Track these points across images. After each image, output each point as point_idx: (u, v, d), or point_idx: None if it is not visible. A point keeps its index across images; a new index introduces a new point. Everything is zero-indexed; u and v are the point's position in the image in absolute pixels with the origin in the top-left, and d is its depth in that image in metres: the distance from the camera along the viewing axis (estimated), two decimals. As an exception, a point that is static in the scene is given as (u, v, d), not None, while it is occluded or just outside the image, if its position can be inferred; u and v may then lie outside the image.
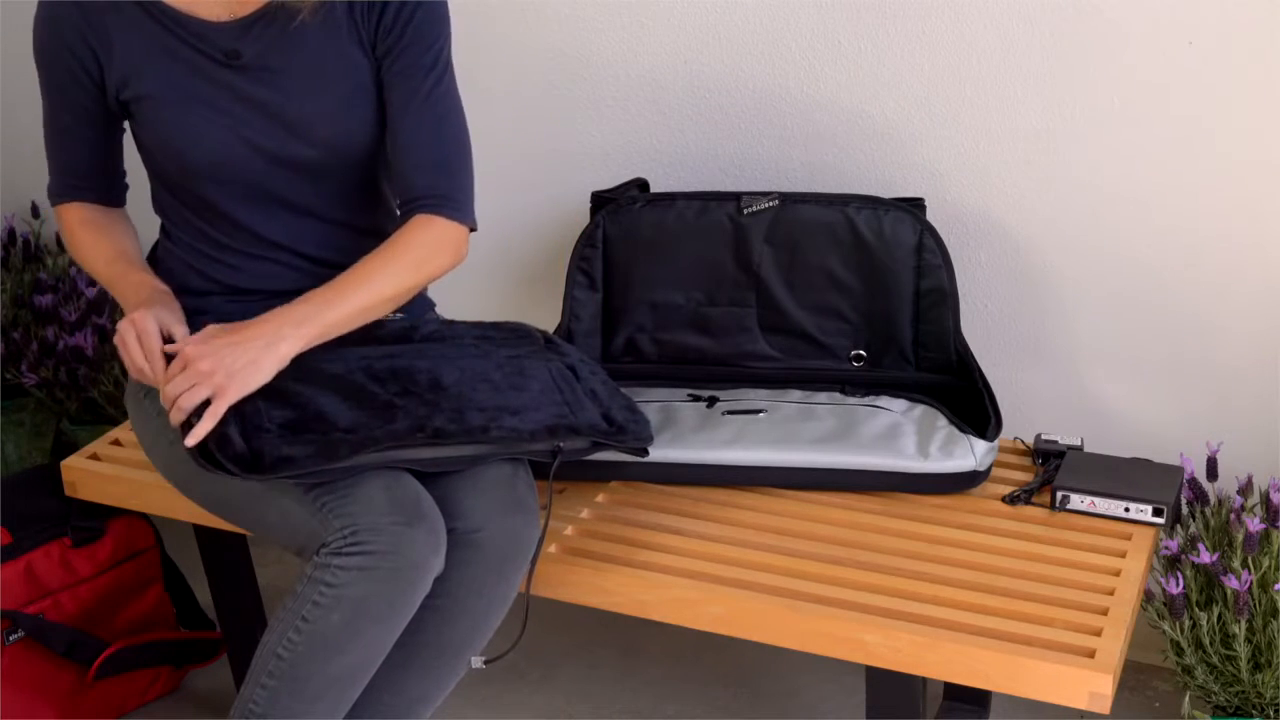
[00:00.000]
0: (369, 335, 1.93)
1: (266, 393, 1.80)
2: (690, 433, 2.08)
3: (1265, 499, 1.97)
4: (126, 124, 1.97)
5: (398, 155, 1.91)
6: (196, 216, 1.96)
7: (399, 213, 1.95)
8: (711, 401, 2.15)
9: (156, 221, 2.04)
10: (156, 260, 2.04)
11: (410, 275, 1.88)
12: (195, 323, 1.95)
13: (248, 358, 1.77)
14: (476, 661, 1.85)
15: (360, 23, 1.90)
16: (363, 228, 1.99)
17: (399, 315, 2.03)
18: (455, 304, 2.26)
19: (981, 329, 2.30)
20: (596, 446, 1.91)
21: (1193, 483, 2.02)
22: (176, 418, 1.77)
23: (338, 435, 1.77)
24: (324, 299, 1.84)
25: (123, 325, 1.85)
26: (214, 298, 1.97)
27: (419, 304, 2.10)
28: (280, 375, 1.82)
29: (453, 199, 1.91)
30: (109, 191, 2.03)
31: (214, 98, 1.88)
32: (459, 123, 1.94)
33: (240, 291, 1.97)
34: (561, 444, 1.86)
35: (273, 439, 1.76)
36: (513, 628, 1.86)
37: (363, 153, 1.94)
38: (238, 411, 1.78)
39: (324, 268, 1.95)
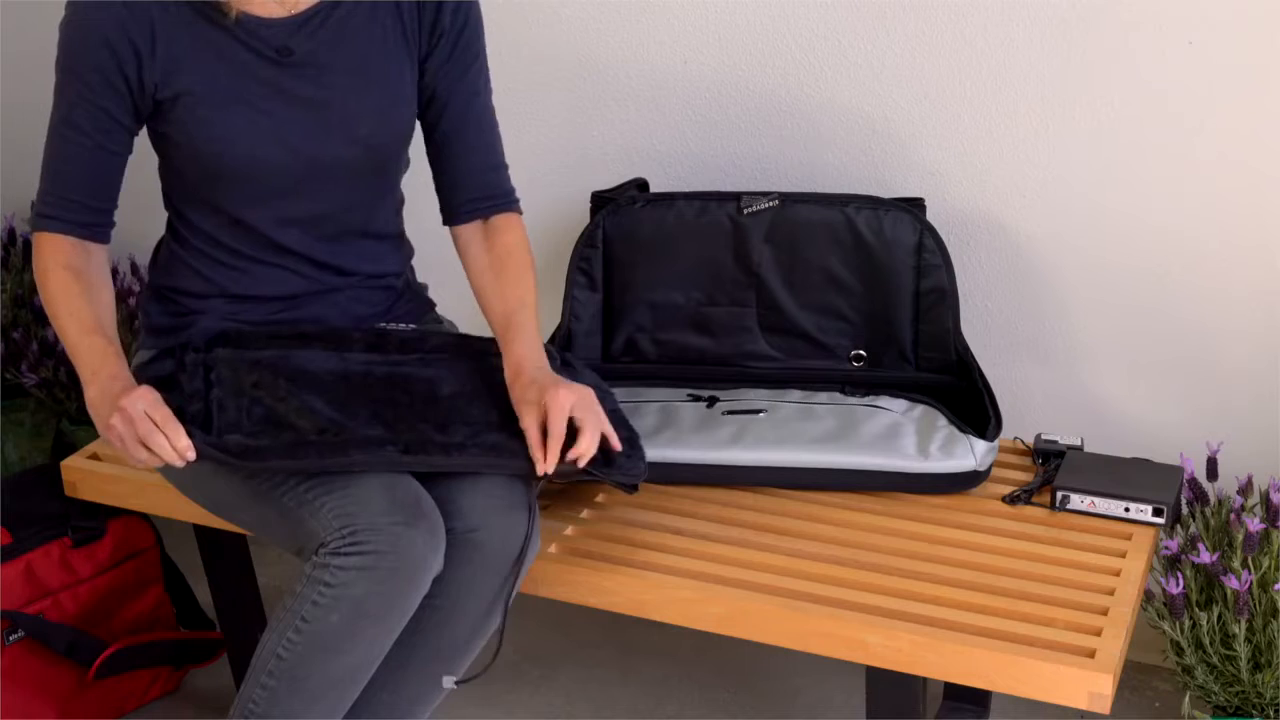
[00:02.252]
0: (377, 343, 1.94)
1: (252, 393, 1.81)
2: (690, 433, 2.08)
3: (1265, 499, 1.96)
4: (145, 131, 1.92)
5: (468, 155, 1.96)
6: (210, 219, 1.93)
7: (466, 210, 1.98)
8: (711, 401, 2.15)
9: (156, 218, 2.03)
10: (158, 261, 2.03)
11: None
12: (191, 322, 1.95)
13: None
14: (448, 681, 1.84)
15: (408, 22, 1.91)
16: (370, 231, 2.00)
17: (410, 327, 2.02)
18: (456, 304, 2.26)
19: (981, 329, 2.30)
20: (581, 475, 1.86)
21: (1193, 483, 2.02)
22: None
23: (311, 438, 1.78)
24: (534, 327, 1.91)
25: (127, 403, 1.71)
26: (214, 300, 1.97)
27: (420, 305, 2.10)
28: (274, 375, 1.84)
29: (515, 195, 2.02)
30: (97, 222, 1.90)
31: (257, 97, 1.86)
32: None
33: (241, 298, 1.97)
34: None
35: (241, 436, 1.77)
36: (513, 629, 1.86)
37: (396, 152, 1.95)
38: (222, 409, 1.79)
39: (326, 272, 1.96)
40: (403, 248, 2.07)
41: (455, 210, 1.99)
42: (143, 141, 1.93)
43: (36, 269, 1.89)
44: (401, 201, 2.05)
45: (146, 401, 1.73)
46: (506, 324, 1.92)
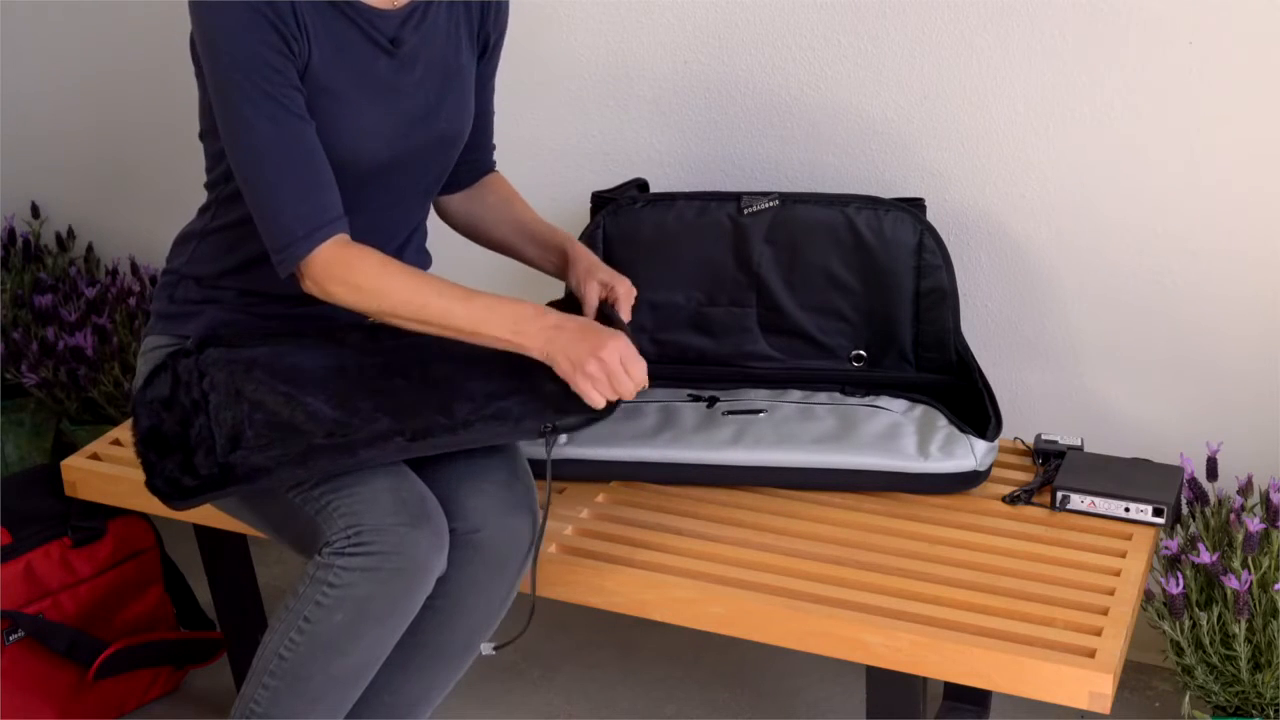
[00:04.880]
0: (371, 334, 1.93)
1: (252, 399, 1.81)
2: (690, 433, 2.08)
3: (1265, 499, 1.97)
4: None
5: (486, 137, 2.08)
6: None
7: (467, 181, 2.08)
8: (711, 401, 2.15)
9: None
10: (182, 248, 1.98)
11: None
12: (200, 311, 1.94)
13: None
14: (486, 648, 1.84)
15: (474, 21, 1.95)
16: (410, 228, 2.00)
17: None
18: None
19: (981, 329, 2.30)
20: (589, 421, 1.85)
21: (1193, 483, 2.02)
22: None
23: (318, 441, 1.77)
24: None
25: (606, 356, 1.77)
26: (226, 290, 1.95)
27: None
28: (270, 377, 1.83)
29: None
30: (343, 211, 1.80)
31: (366, 90, 1.85)
32: None
33: (254, 294, 1.95)
34: (555, 423, 1.82)
35: (247, 450, 1.77)
36: (514, 624, 1.86)
37: (459, 145, 1.98)
38: (219, 423, 1.79)
39: None
40: (424, 253, 2.07)
41: (457, 183, 2.07)
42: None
43: (355, 286, 1.77)
44: (429, 209, 2.05)
45: (623, 353, 1.78)
46: (542, 226, 2.06)
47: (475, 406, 1.83)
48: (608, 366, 1.77)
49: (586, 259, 1.99)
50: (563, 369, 1.78)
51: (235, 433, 1.79)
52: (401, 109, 1.88)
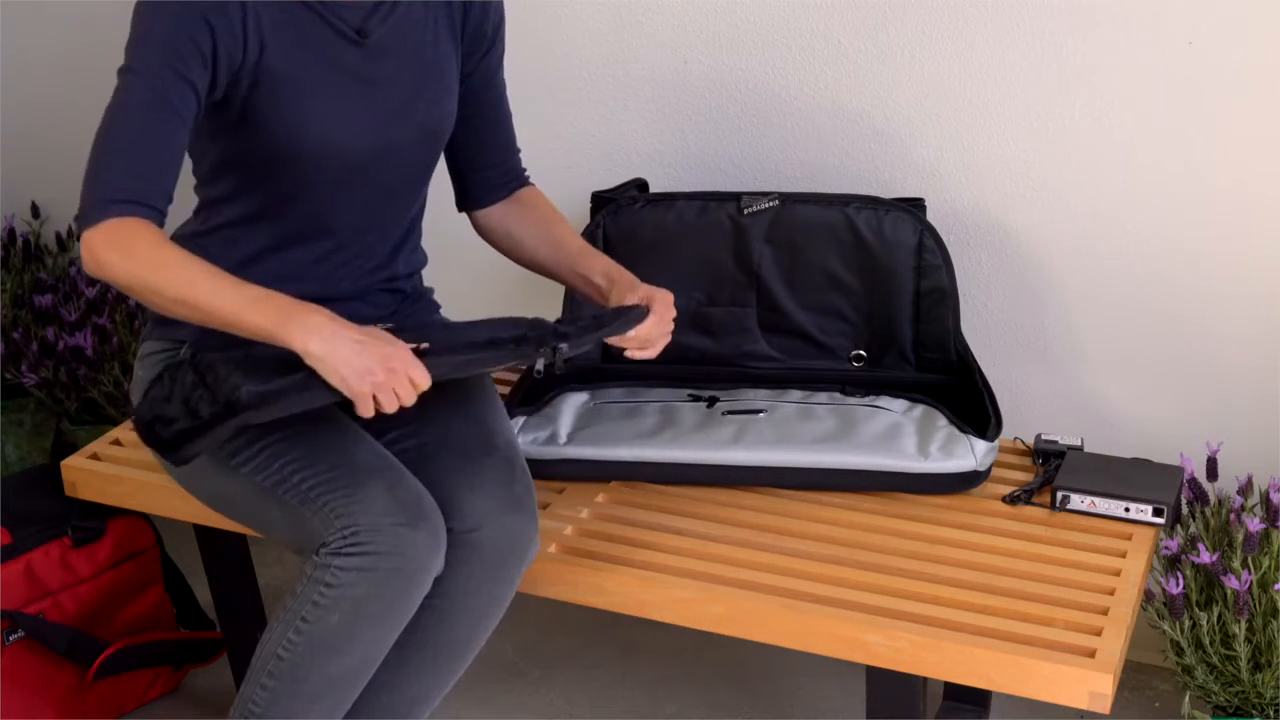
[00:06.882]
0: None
1: (247, 371, 1.76)
2: (690, 433, 2.08)
3: (1265, 499, 1.97)
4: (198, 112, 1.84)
5: (505, 142, 2.07)
6: (245, 207, 1.89)
7: (497, 193, 2.07)
8: (712, 401, 2.15)
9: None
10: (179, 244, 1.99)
11: None
12: None
13: None
14: None
15: (456, 19, 1.95)
16: (400, 227, 2.00)
17: (387, 326, 2.01)
18: (456, 305, 2.26)
19: (981, 329, 2.30)
20: (584, 331, 1.83)
21: (1193, 483, 2.02)
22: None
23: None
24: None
25: (399, 366, 1.67)
26: None
27: (425, 306, 2.09)
28: (264, 362, 1.81)
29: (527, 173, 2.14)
30: (165, 210, 1.76)
31: (334, 80, 1.85)
32: None
33: None
34: (556, 345, 1.78)
35: (251, 386, 1.70)
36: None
37: (441, 140, 1.98)
38: (218, 386, 1.74)
39: (349, 270, 1.95)
40: (419, 252, 2.07)
41: (485, 193, 2.07)
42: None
43: (127, 257, 1.70)
44: (423, 207, 2.05)
45: (414, 368, 1.68)
46: (584, 249, 2.03)
47: (468, 342, 1.80)
48: (398, 375, 1.68)
49: (630, 278, 1.95)
50: (321, 365, 1.67)
51: (236, 380, 1.73)
52: (376, 100, 1.88)
